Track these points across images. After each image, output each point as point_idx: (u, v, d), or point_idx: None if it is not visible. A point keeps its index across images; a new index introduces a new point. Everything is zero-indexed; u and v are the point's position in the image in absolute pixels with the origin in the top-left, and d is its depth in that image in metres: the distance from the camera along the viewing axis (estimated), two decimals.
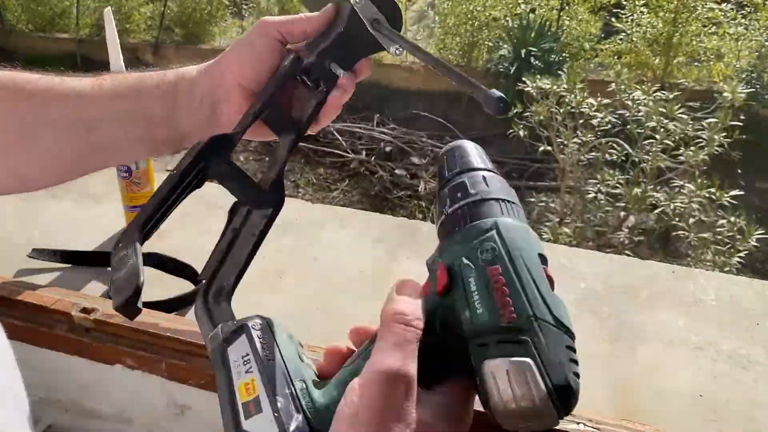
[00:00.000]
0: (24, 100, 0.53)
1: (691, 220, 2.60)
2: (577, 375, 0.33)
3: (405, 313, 0.34)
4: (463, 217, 0.37)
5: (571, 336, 0.34)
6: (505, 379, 0.32)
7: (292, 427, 0.33)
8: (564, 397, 0.32)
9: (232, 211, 0.49)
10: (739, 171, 3.49)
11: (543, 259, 0.36)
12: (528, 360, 0.32)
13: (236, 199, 0.48)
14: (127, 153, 0.57)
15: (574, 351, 0.33)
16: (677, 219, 2.61)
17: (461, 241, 0.36)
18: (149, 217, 0.46)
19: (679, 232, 2.65)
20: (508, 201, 0.38)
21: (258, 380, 0.35)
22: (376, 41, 0.52)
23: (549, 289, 0.35)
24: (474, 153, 0.41)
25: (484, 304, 0.33)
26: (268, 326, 0.38)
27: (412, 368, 0.33)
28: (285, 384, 0.35)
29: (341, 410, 0.32)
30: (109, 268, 0.90)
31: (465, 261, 0.35)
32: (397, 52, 0.52)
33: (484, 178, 0.39)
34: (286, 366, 0.36)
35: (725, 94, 2.73)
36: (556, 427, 0.60)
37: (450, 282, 0.35)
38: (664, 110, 2.71)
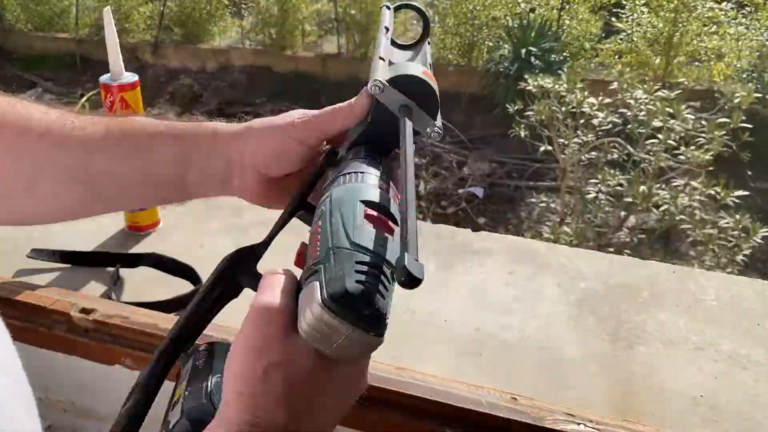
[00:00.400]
0: (31, 145, 0.51)
1: (695, 218, 2.60)
2: (363, 283, 0.35)
3: (270, 271, 0.41)
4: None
5: (370, 254, 0.36)
6: (300, 307, 0.36)
7: (190, 406, 0.41)
8: (341, 303, 0.34)
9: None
10: (749, 173, 3.50)
11: (368, 203, 0.40)
12: (314, 282, 0.35)
13: (229, 262, 0.46)
14: (130, 204, 0.57)
15: (368, 265, 0.36)
16: (680, 217, 2.61)
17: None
18: (176, 349, 0.45)
19: (683, 227, 2.65)
20: (355, 172, 0.43)
21: (184, 386, 0.43)
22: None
23: (359, 222, 0.38)
24: (354, 154, 0.46)
25: (308, 256, 0.39)
26: (209, 347, 0.46)
27: (279, 302, 0.38)
28: (202, 382, 0.42)
29: (234, 345, 0.38)
30: (108, 268, 0.88)
31: (311, 229, 0.41)
32: (434, 134, 0.47)
33: (346, 163, 0.44)
34: (208, 381, 0.42)
35: (736, 94, 2.73)
36: (556, 427, 0.61)
37: (301, 253, 0.42)
38: (669, 109, 2.71)
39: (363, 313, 0.34)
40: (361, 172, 0.43)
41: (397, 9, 0.57)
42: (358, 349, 0.36)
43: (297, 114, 0.49)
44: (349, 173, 0.43)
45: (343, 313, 0.34)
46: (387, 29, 0.54)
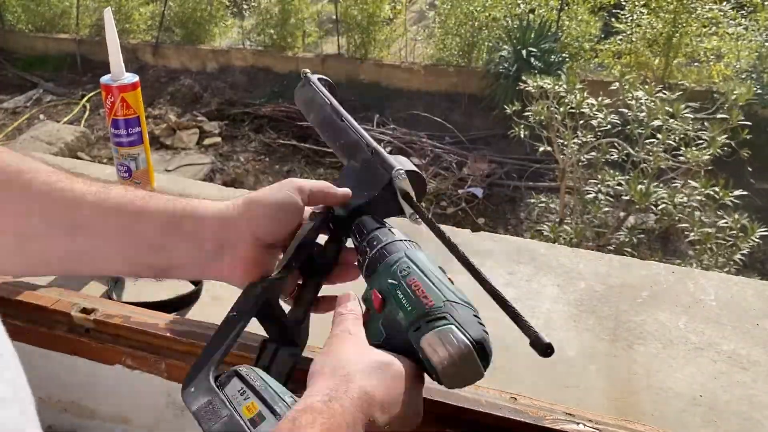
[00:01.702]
0: (37, 209, 0.50)
1: (693, 217, 2.60)
2: (485, 332, 0.45)
3: (347, 297, 0.52)
4: (380, 256, 0.51)
5: (475, 310, 0.46)
6: (438, 344, 0.43)
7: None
8: (482, 347, 0.44)
9: (262, 348, 0.53)
10: (750, 169, 3.50)
11: (442, 270, 0.49)
12: (451, 326, 0.44)
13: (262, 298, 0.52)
14: (108, 266, 0.55)
15: (480, 318, 0.45)
16: (679, 216, 2.61)
17: (383, 271, 0.50)
18: (217, 361, 0.48)
19: (681, 226, 2.65)
20: (409, 240, 0.52)
21: (257, 401, 0.45)
22: (401, 208, 0.56)
23: (452, 284, 0.48)
24: (374, 221, 0.55)
25: (411, 304, 0.46)
26: (252, 369, 0.49)
27: (354, 329, 0.48)
28: (277, 400, 0.45)
29: (313, 366, 0.45)
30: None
31: (390, 281, 0.48)
32: (415, 220, 0.56)
33: (389, 229, 0.54)
34: (274, 390, 0.46)
35: (734, 92, 2.73)
36: (556, 427, 0.61)
37: (383, 299, 0.48)
38: (669, 109, 2.71)
39: (489, 355, 0.44)
40: (410, 241, 0.52)
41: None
42: (470, 382, 0.45)
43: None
44: (403, 240, 0.52)
45: (482, 355, 0.43)
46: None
